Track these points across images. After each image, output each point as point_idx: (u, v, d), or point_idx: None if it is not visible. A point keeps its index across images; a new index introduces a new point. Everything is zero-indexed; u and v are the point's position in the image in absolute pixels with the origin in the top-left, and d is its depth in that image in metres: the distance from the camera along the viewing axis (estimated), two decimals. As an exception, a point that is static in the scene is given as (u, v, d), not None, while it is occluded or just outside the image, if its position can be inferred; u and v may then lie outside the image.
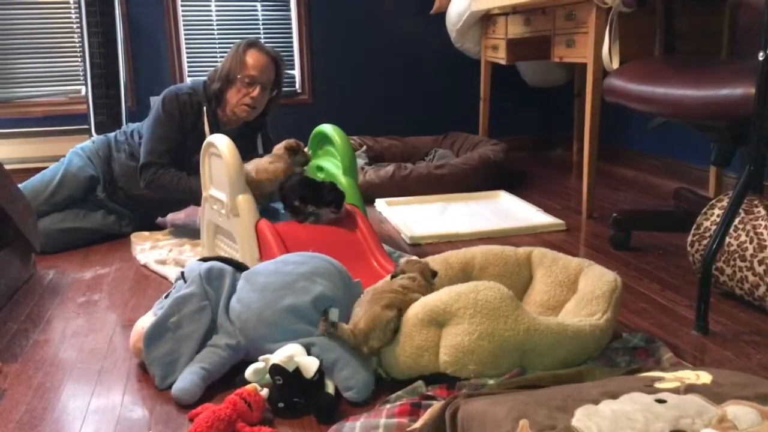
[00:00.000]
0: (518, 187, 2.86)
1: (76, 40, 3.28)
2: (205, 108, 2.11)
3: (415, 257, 1.43)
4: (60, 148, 2.65)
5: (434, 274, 1.34)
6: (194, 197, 2.01)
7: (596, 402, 0.84)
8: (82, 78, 3.22)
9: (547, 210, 2.41)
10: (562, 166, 3.40)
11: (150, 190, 2.08)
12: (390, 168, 2.74)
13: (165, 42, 3.34)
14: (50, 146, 3.11)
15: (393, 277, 1.33)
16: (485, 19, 3.17)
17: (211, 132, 2.06)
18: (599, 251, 1.99)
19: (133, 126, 2.28)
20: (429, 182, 2.70)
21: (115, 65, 2.95)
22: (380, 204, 2.57)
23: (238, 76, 2.08)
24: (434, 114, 3.64)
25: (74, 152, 2.26)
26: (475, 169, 2.76)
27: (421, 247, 2.09)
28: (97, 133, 2.75)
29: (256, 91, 2.10)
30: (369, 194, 2.60)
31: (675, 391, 0.87)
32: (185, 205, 2.40)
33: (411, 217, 2.38)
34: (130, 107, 3.14)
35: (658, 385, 0.90)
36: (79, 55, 3.27)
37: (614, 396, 0.86)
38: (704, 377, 0.91)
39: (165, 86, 3.30)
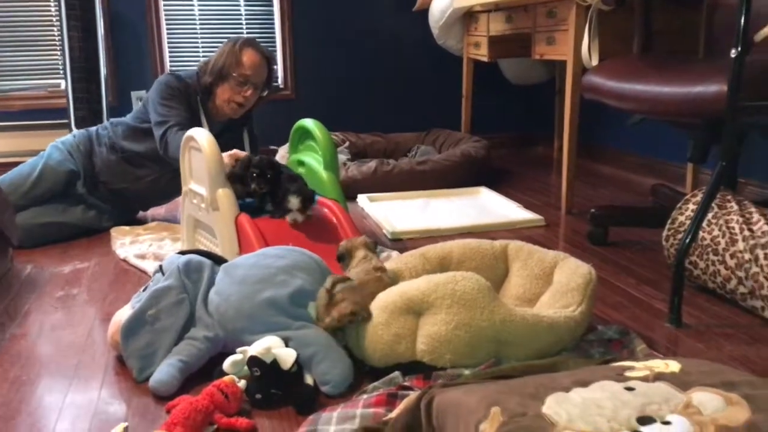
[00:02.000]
0: (499, 183, 2.88)
1: (56, 33, 3.25)
2: (199, 98, 2.12)
3: (362, 237, 1.46)
4: (39, 143, 2.63)
5: (375, 244, 1.43)
6: None
7: (567, 390, 0.86)
8: (61, 72, 3.19)
9: (527, 206, 2.43)
10: (544, 163, 3.43)
11: (165, 150, 2.03)
12: (372, 164, 2.75)
13: (147, 37, 3.32)
14: (30, 140, 3.08)
15: (339, 260, 1.39)
16: (467, 16, 3.19)
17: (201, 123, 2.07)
18: (577, 246, 2.01)
19: (116, 120, 2.27)
20: (411, 178, 2.72)
21: (96, 59, 2.93)
22: (362, 200, 2.57)
23: (233, 74, 2.09)
24: (417, 110, 3.65)
25: (54, 146, 2.24)
26: (456, 165, 2.78)
27: (402, 241, 2.10)
28: (78, 127, 2.73)
29: (249, 92, 2.11)
30: (351, 190, 2.61)
31: (644, 379, 0.89)
32: (167, 200, 2.39)
33: (393, 212, 2.39)
34: (111, 102, 3.12)
35: (628, 374, 0.92)
36: (58, 48, 3.24)
37: (585, 384, 0.87)
38: (673, 366, 0.93)
39: (147, 82, 3.31)
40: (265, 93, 2.19)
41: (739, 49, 1.31)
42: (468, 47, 3.25)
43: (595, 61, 2.16)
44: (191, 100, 2.11)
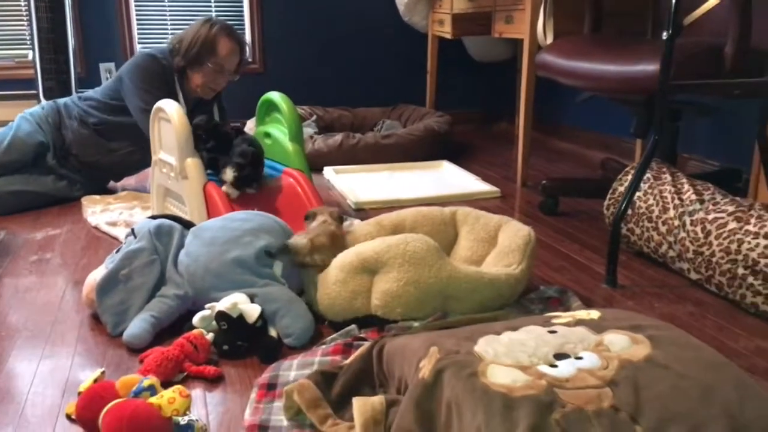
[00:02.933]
0: (462, 157, 2.99)
1: (23, 3, 3.24)
2: (176, 77, 2.18)
3: (333, 208, 1.58)
4: (7, 113, 2.65)
5: (341, 217, 1.53)
6: None
7: (498, 333, 0.98)
8: (29, 43, 3.19)
9: (486, 179, 2.55)
10: (505, 139, 3.55)
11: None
12: (338, 137, 2.83)
13: (114, 8, 3.33)
14: (-3, 111, 3.09)
15: (305, 218, 1.51)
16: (433, -6, 3.26)
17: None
18: (530, 216, 2.14)
19: (86, 94, 2.31)
20: (376, 151, 2.81)
21: (63, 31, 2.94)
22: (328, 171, 2.66)
23: (208, 63, 2.14)
24: (384, 86, 3.73)
25: (23, 117, 2.27)
26: (420, 139, 2.88)
27: (365, 211, 2.20)
28: (46, 98, 2.76)
29: (222, 79, 2.18)
30: (318, 162, 2.70)
31: (566, 324, 1.01)
32: (139, 170, 2.45)
33: (357, 184, 2.49)
34: (80, 74, 3.13)
35: (554, 321, 1.04)
36: (26, 19, 3.23)
37: (515, 329, 0.99)
38: (593, 314, 1.05)
39: (116, 54, 3.35)
40: (236, 78, 2.26)
41: (670, 31, 1.43)
42: (433, 24, 3.33)
43: (549, 40, 2.26)
44: (168, 79, 2.17)
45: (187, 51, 2.14)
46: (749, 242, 1.39)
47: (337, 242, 1.41)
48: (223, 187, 1.76)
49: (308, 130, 3.00)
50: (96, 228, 2.01)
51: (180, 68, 2.17)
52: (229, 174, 1.74)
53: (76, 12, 3.20)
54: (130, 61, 2.23)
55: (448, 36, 3.10)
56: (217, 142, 1.78)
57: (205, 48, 2.13)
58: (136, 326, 1.28)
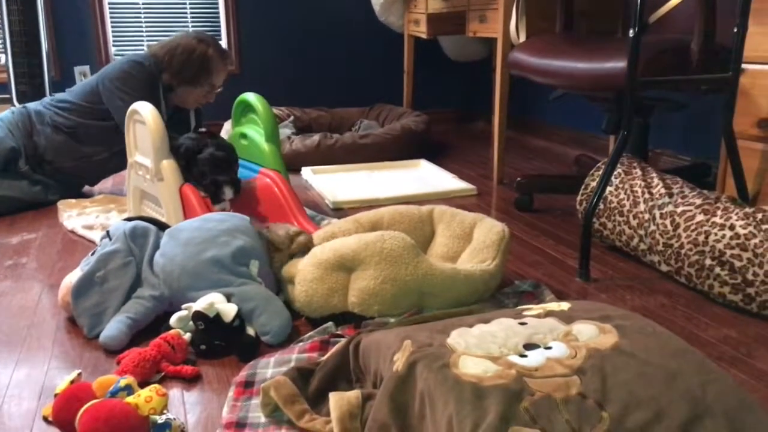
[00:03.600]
0: (439, 156, 3.02)
1: (-6, 7, 3.20)
2: (160, 85, 2.18)
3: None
4: (-20, 118, 2.62)
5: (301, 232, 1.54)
6: None
7: (471, 326, 1.00)
8: (1, 46, 3.16)
9: (463, 177, 2.57)
10: (483, 137, 3.58)
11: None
12: (316, 137, 2.84)
13: (89, 11, 3.31)
14: (-30, 116, 3.05)
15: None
16: (408, -5, 3.29)
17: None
18: (505, 213, 2.17)
19: (58, 97, 2.28)
20: (354, 151, 2.82)
21: (36, 34, 2.92)
22: (306, 172, 2.67)
23: (203, 84, 2.18)
24: (361, 86, 3.75)
25: (-7, 122, 2.25)
26: (397, 139, 2.90)
27: (343, 211, 2.22)
28: (20, 102, 2.73)
29: (212, 96, 2.25)
30: (296, 163, 2.71)
31: (537, 316, 1.03)
32: (114, 172, 2.43)
33: (335, 183, 2.50)
34: (54, 77, 3.11)
35: (525, 313, 1.06)
36: (-3, 22, 3.20)
37: (486, 321, 1.01)
38: (564, 306, 1.07)
39: (90, 56, 3.33)
40: (219, 90, 2.30)
41: (636, 29, 1.46)
42: (408, 24, 3.35)
43: (522, 39, 2.30)
44: (154, 86, 2.16)
45: (181, 70, 2.13)
46: (716, 234, 1.42)
47: (309, 243, 1.43)
48: (218, 206, 1.77)
49: (286, 131, 3.00)
50: (72, 232, 2.00)
51: (167, 84, 2.17)
52: (228, 193, 1.78)
53: (49, 15, 3.17)
54: (115, 67, 2.18)
55: (424, 36, 3.13)
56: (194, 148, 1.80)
57: (202, 70, 2.13)
58: (113, 328, 1.28)
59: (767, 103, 1.56)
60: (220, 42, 2.53)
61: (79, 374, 1.08)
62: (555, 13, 2.22)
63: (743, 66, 1.58)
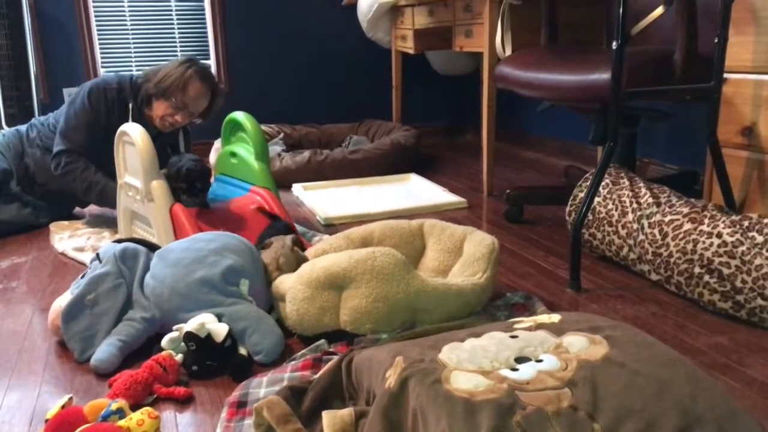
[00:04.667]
0: (429, 170, 3.03)
1: (-18, 31, 3.21)
2: (131, 105, 2.15)
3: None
4: (-31, 142, 2.61)
5: (296, 241, 1.54)
6: (99, 194, 2.10)
7: (462, 340, 1.00)
8: (-11, 70, 3.16)
9: (453, 190, 2.58)
10: (472, 150, 3.60)
11: (62, 179, 2.11)
12: (306, 154, 2.85)
13: (76, 33, 3.32)
14: (-42, 140, 3.04)
15: (262, 248, 1.52)
16: (394, 10, 3.32)
17: None
18: (495, 225, 2.17)
19: (47, 118, 2.28)
20: (344, 167, 2.83)
21: (25, 57, 2.92)
22: (297, 188, 2.67)
23: (173, 98, 2.12)
24: (350, 102, 3.77)
25: (-16, 145, 2.25)
26: (387, 153, 2.91)
27: (334, 227, 2.22)
28: (8, 125, 2.73)
29: (180, 116, 2.15)
30: (286, 180, 2.72)
31: (528, 329, 1.03)
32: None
33: (326, 199, 2.51)
34: (43, 100, 3.11)
35: (516, 326, 1.06)
36: (-15, 46, 3.20)
37: (478, 335, 1.02)
38: (554, 318, 1.08)
39: (79, 78, 3.33)
40: (198, 121, 2.25)
41: (619, 41, 1.48)
42: (396, 40, 3.38)
43: (508, 52, 2.32)
44: (120, 108, 2.14)
45: (160, 82, 2.12)
46: (704, 242, 1.43)
47: (300, 260, 1.43)
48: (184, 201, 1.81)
49: (276, 148, 3.01)
50: (63, 254, 1.99)
51: (147, 96, 2.15)
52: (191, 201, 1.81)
53: (37, 37, 3.18)
54: (78, 94, 2.17)
55: (411, 51, 3.15)
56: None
57: (176, 84, 2.11)
58: (103, 351, 1.28)
59: (750, 112, 1.58)
60: (208, 66, 2.52)
61: (71, 398, 1.08)
62: (540, 27, 2.25)
63: (725, 75, 1.60)
